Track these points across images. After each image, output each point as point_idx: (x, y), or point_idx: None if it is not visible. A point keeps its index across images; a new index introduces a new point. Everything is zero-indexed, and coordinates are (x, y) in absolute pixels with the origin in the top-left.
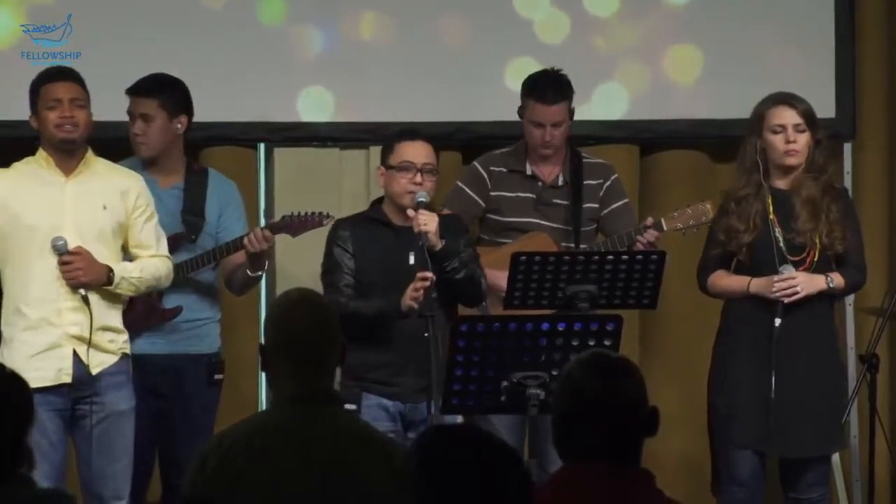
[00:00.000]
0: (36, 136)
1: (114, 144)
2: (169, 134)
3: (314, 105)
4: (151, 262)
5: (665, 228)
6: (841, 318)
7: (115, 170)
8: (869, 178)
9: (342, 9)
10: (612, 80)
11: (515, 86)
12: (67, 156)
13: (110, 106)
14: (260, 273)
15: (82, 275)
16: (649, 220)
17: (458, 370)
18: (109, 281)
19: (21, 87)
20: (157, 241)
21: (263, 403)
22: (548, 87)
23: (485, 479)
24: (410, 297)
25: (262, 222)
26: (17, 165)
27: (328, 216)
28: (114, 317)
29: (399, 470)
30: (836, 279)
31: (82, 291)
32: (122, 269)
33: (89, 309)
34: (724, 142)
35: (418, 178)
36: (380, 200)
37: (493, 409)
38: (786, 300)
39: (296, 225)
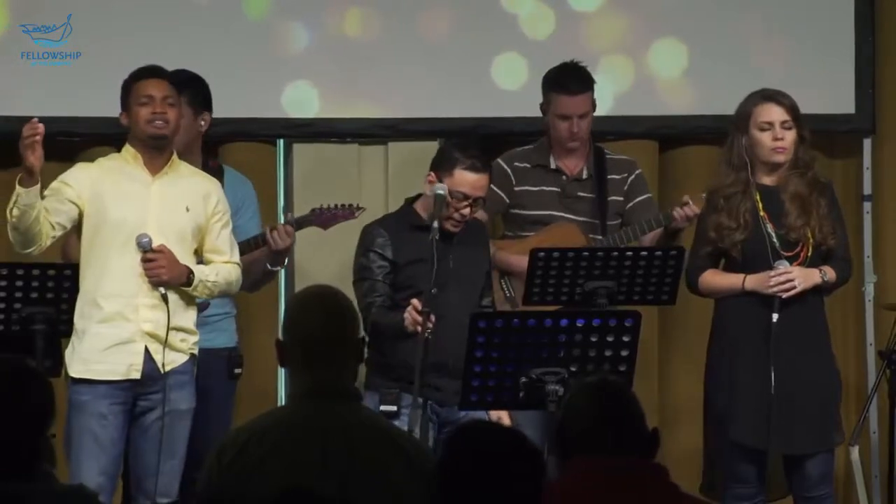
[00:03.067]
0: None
1: (112, 141)
2: (193, 131)
3: (303, 100)
4: (225, 268)
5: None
6: (860, 314)
7: (198, 173)
8: (889, 174)
9: (329, 4)
10: (597, 74)
11: (500, 81)
12: (156, 153)
13: (110, 106)
14: (279, 268)
15: (165, 273)
16: (686, 198)
17: (477, 366)
18: (189, 282)
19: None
20: (231, 248)
21: (282, 398)
22: (571, 78)
23: (502, 469)
24: (410, 322)
25: (281, 218)
26: (101, 161)
27: (359, 208)
28: (188, 318)
29: (414, 464)
30: (829, 272)
31: (162, 290)
32: (200, 272)
33: (167, 308)
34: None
35: (466, 211)
36: (412, 200)
37: (511, 406)
38: (783, 295)
39: (326, 218)
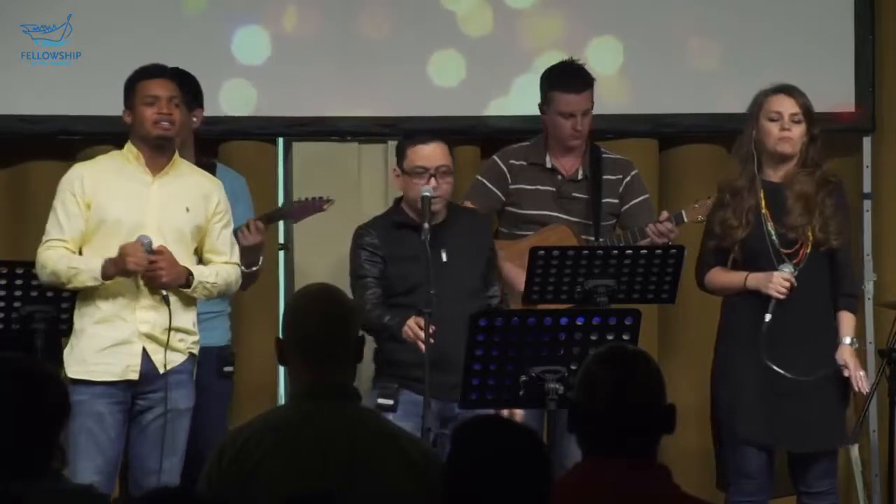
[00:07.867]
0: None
1: (112, 139)
2: (185, 127)
3: (239, 98)
4: (225, 269)
5: (686, 220)
6: (860, 313)
7: (199, 173)
8: (889, 172)
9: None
10: (534, 71)
11: (438, 78)
12: (158, 153)
13: (110, 105)
14: (254, 269)
15: (164, 275)
16: (664, 215)
17: (477, 365)
18: (188, 283)
19: None
20: (231, 248)
21: (281, 397)
22: (573, 76)
23: (512, 465)
24: (407, 336)
25: None
26: (100, 158)
27: (329, 200)
28: (187, 318)
29: (415, 464)
30: (850, 329)
31: (163, 291)
32: (199, 273)
33: (169, 309)
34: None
35: (433, 182)
36: (400, 200)
37: (511, 404)
38: (777, 296)
39: (296, 210)
